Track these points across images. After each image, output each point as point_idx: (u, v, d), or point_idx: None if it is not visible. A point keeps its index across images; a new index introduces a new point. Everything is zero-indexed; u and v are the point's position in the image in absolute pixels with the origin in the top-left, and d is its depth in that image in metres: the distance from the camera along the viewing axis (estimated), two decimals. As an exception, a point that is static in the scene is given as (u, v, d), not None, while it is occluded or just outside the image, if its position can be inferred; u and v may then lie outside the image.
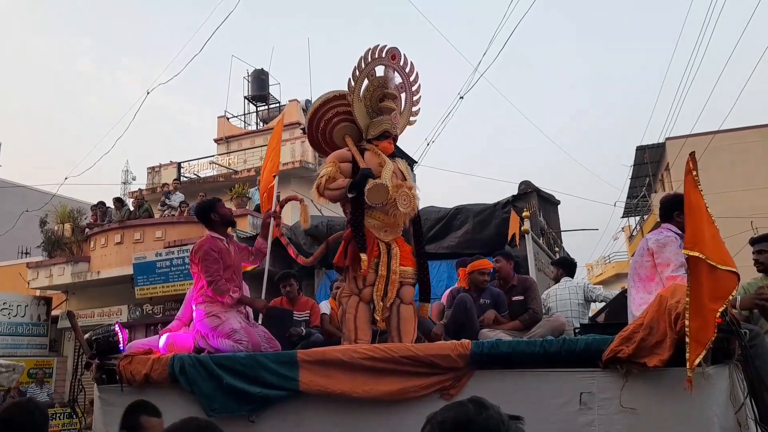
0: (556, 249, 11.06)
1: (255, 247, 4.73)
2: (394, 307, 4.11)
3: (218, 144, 20.71)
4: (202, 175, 19.04)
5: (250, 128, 21.86)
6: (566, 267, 6.39)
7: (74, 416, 5.83)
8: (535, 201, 8.77)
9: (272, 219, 5.01)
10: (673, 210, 3.70)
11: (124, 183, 26.01)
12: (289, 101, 21.06)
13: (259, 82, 21.97)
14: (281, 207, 5.05)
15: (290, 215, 17.17)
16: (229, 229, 4.61)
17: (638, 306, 3.66)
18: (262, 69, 22.09)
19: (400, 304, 4.12)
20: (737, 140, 24.53)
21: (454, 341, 3.58)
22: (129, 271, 12.53)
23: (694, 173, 2.90)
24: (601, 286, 6.34)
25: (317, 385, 3.60)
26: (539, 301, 5.24)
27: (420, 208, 10.06)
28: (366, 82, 4.37)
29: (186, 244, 12.13)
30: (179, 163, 19.46)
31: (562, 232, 13.97)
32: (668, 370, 2.97)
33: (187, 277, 12.04)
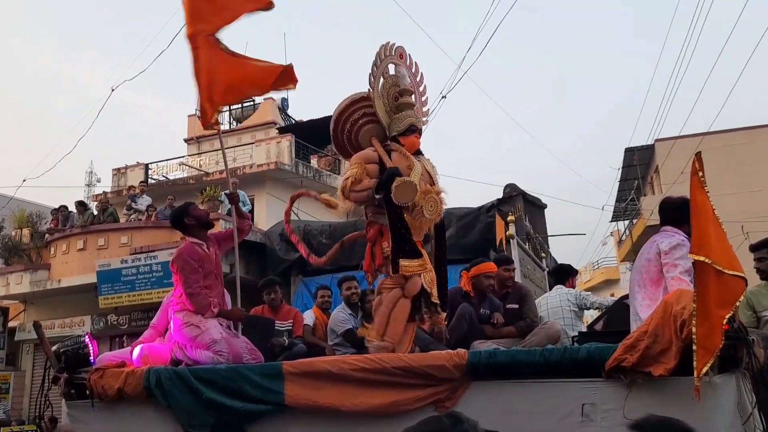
0: (543, 255, 11.16)
1: (230, 231, 4.69)
2: None
3: (188, 144, 20.55)
4: (171, 177, 18.84)
5: (222, 127, 21.63)
6: (557, 275, 6.43)
7: (38, 435, 5.72)
8: (520, 204, 8.84)
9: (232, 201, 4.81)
10: (685, 213, 3.71)
11: (88, 185, 25.72)
12: (264, 99, 20.96)
13: (232, 79, 21.80)
14: (292, 203, 4.98)
15: (265, 218, 17.11)
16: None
17: (647, 311, 3.66)
18: (235, 66, 21.89)
19: None
20: (726, 142, 25.03)
21: (449, 350, 3.57)
22: (92, 279, 12.34)
23: (700, 174, 2.94)
24: (590, 293, 6.37)
25: (304, 399, 3.57)
26: (535, 309, 5.26)
27: None
28: (381, 80, 4.38)
29: (153, 251, 11.99)
30: (147, 165, 19.24)
31: (548, 237, 14.12)
32: (674, 380, 2.99)
33: (155, 285, 11.92)
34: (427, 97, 4.67)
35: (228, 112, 22.20)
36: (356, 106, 4.46)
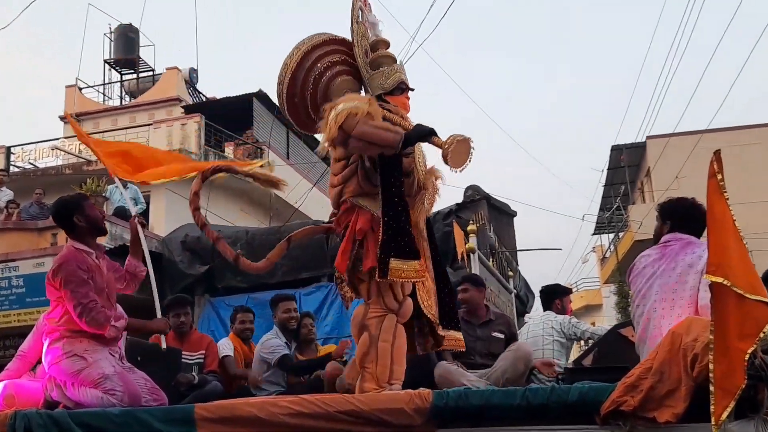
0: (510, 273, 11.30)
1: (126, 269, 4.58)
2: None
3: (65, 123, 20.09)
4: (40, 164, 18.35)
5: (111, 103, 21.29)
6: (543, 298, 6.53)
7: None
8: (484, 211, 8.91)
9: (139, 226, 4.71)
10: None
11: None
12: (167, 69, 20.71)
13: (126, 41, 21.56)
14: (203, 179, 4.58)
15: (164, 220, 16.73)
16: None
17: None
18: (130, 25, 21.66)
19: None
20: (731, 141, 26.02)
21: (409, 390, 3.57)
22: (-69, 295, 11.81)
23: (719, 176, 3.01)
24: (581, 321, 6.48)
25: (223, 452, 3.51)
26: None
27: None
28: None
29: (14, 260, 11.57)
30: (8, 148, 18.73)
31: (518, 252, 14.33)
32: (683, 427, 3.06)
33: (15, 304, 11.46)
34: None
35: (119, 84, 21.78)
36: (319, 52, 4.30)
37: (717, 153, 3.06)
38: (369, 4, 4.41)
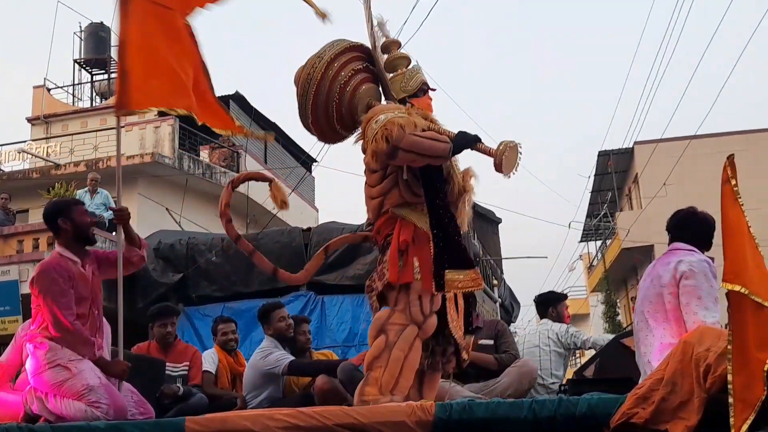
0: (494, 282, 11.37)
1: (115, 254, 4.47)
2: None
3: (33, 125, 19.94)
4: (6, 168, 18.14)
5: (81, 104, 21.08)
6: (539, 307, 6.54)
7: None
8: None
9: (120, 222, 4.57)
10: (713, 237, 3.89)
11: None
12: (140, 69, 20.44)
13: (97, 41, 21.32)
14: (233, 187, 4.58)
15: (136, 226, 16.51)
16: None
17: (660, 356, 3.74)
18: (102, 23, 21.38)
19: None
20: (719, 148, 26.28)
21: (411, 402, 3.55)
22: None
23: (733, 182, 3.04)
24: (580, 330, 6.49)
25: (215, 467, 3.47)
26: (515, 346, 5.35)
27: (318, 224, 9.73)
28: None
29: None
30: (-28, 150, 18.43)
31: (502, 260, 14.38)
32: (696, 440, 3.07)
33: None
34: None
35: (90, 84, 21.58)
36: (342, 60, 4.26)
37: (730, 158, 3.09)
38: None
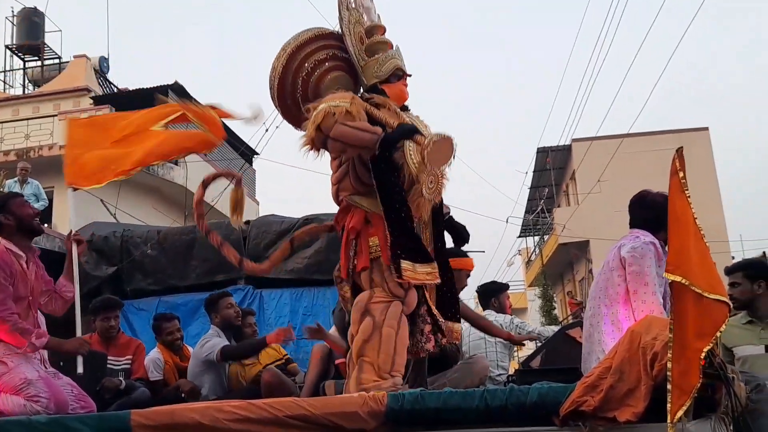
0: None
1: (55, 289, 4.46)
2: None
3: (-40, 113, 19.22)
4: (-73, 158, 17.49)
5: (12, 92, 20.52)
6: (482, 297, 6.59)
7: None
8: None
9: (73, 244, 4.66)
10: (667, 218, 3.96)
11: None
12: (75, 57, 20.07)
13: (30, 26, 20.86)
14: (205, 186, 4.59)
15: (69, 218, 16.12)
16: None
17: (612, 341, 3.82)
18: (35, 9, 20.96)
19: None
20: (652, 145, 26.99)
21: (363, 393, 3.54)
22: None
23: (681, 174, 3.09)
24: (526, 322, 6.58)
25: (162, 462, 3.39)
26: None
27: (257, 217, 9.68)
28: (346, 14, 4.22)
29: None
30: None
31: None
32: (643, 427, 3.12)
33: None
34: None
35: (22, 71, 21.01)
36: (306, 50, 4.22)
37: (680, 150, 3.14)
38: None
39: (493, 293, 6.55)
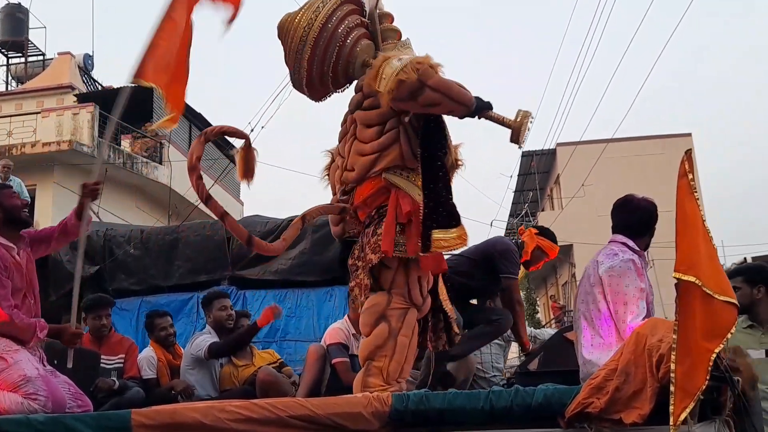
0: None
1: (61, 226, 4.32)
2: None
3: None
4: None
5: (-5, 89, 20.31)
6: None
7: None
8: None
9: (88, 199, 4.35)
10: (654, 223, 3.98)
11: None
12: (59, 54, 19.99)
13: (14, 22, 20.76)
14: (206, 139, 4.13)
15: (51, 216, 15.98)
16: None
17: (589, 349, 3.89)
18: (20, 4, 20.88)
19: None
20: (636, 150, 27.24)
21: (367, 393, 3.52)
22: None
23: (690, 176, 3.11)
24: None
25: (163, 462, 3.36)
26: None
27: (243, 217, 9.50)
28: None
29: None
30: None
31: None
32: (649, 429, 3.13)
33: None
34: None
35: (5, 68, 20.84)
36: (345, 9, 4.06)
37: (688, 152, 3.16)
38: None
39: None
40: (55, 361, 4.38)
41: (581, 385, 3.35)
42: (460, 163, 4.15)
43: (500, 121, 3.81)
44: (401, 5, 4.29)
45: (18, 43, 20.83)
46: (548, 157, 27.12)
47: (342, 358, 5.20)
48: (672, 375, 2.98)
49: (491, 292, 5.53)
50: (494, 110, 3.85)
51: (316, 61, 4.04)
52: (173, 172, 17.86)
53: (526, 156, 26.82)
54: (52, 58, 20.40)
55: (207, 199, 3.99)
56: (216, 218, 4.16)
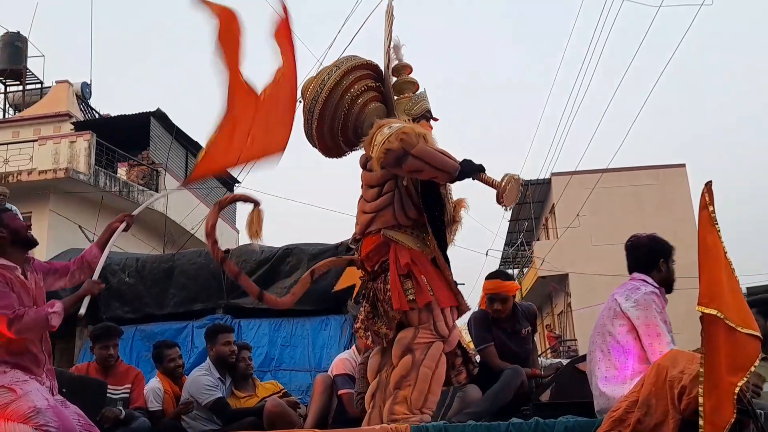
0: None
1: (79, 258, 4.35)
2: None
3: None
4: None
5: (-7, 116, 20.28)
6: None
7: None
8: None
9: (123, 224, 4.55)
10: (659, 256, 3.98)
11: None
12: (57, 83, 19.98)
13: (13, 51, 20.73)
14: (220, 208, 4.44)
15: (46, 245, 15.85)
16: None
17: (604, 381, 3.85)
18: (18, 33, 20.87)
19: None
20: (630, 181, 27.34)
21: (385, 425, 3.49)
22: None
23: (711, 208, 3.11)
24: None
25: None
26: None
27: (237, 246, 9.40)
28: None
29: None
30: None
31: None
32: (671, 462, 3.11)
33: None
34: None
35: (3, 95, 20.82)
36: (356, 74, 4.23)
37: (708, 184, 3.15)
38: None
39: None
40: (64, 390, 4.32)
41: (601, 417, 3.32)
42: (457, 219, 4.32)
43: (489, 184, 3.95)
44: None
45: (16, 72, 20.81)
46: (543, 186, 27.21)
47: (348, 390, 5.15)
48: (701, 409, 2.96)
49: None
50: (485, 172, 3.99)
51: (327, 120, 4.25)
52: (169, 200, 17.79)
53: (522, 185, 26.88)
54: (50, 86, 20.39)
55: (222, 260, 4.26)
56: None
